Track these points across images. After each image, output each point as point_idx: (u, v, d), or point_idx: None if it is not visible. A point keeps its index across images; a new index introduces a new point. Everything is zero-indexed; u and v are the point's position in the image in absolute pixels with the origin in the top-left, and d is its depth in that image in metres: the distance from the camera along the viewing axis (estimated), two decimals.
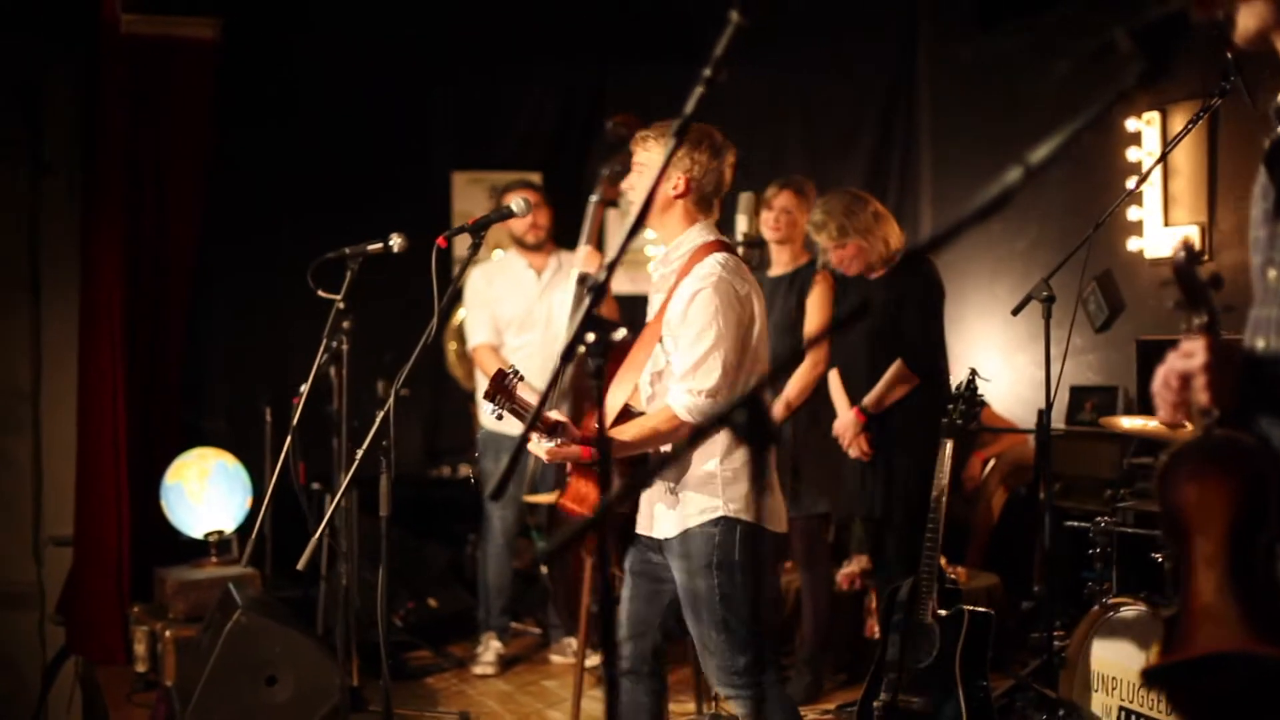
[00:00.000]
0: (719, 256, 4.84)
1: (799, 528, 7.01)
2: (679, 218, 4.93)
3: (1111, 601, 5.42)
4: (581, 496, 4.93)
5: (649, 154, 4.88)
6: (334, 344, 5.94)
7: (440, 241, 5.04)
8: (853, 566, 7.75)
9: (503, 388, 4.71)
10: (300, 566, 5.22)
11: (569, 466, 5.00)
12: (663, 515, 4.91)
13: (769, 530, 4.96)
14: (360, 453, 4.99)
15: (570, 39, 9.66)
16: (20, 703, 8.73)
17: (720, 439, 4.79)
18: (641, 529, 5.01)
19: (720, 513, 4.79)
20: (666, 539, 4.90)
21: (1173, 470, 2.78)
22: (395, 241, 5.66)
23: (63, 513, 8.51)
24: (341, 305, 5.70)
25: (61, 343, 8.62)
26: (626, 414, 4.95)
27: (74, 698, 8.49)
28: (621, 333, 4.71)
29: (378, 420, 5.01)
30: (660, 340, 4.89)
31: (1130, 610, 5.34)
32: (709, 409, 4.68)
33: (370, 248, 5.68)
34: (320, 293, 5.63)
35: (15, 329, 8.86)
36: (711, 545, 4.79)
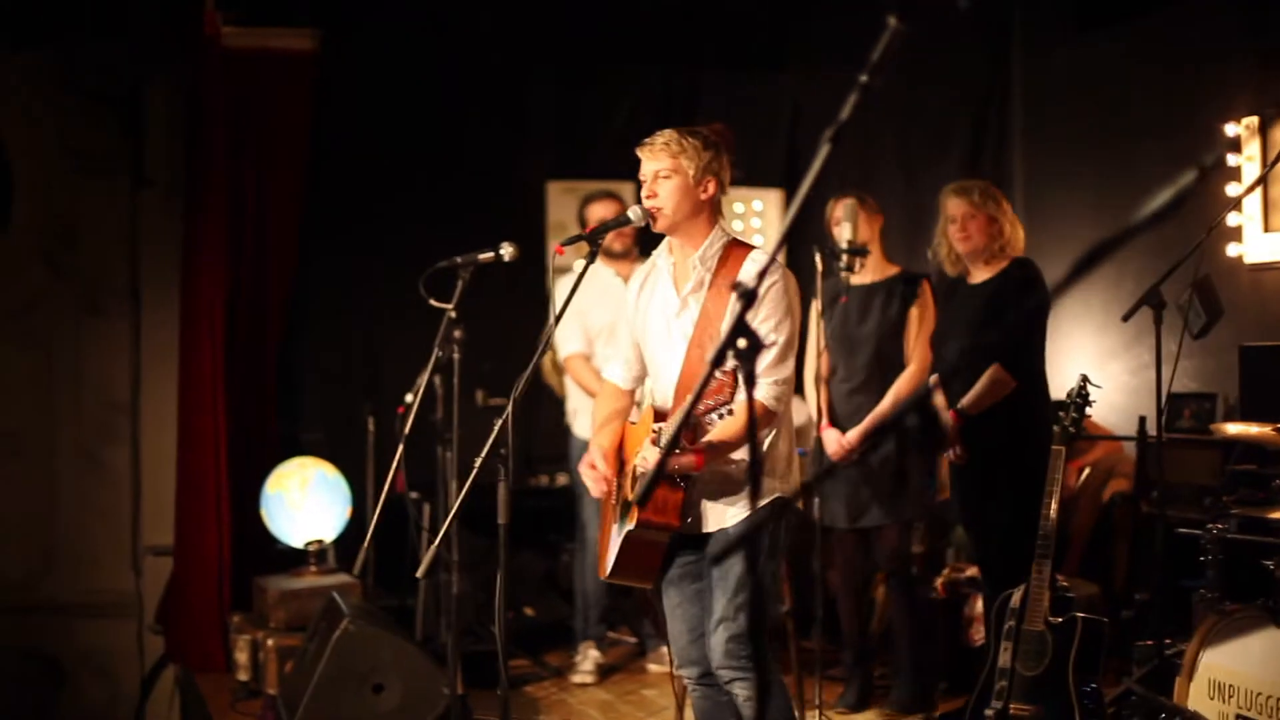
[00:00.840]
0: (760, 253, 5.04)
1: (895, 534, 7.02)
2: (705, 220, 5.06)
3: (1229, 608, 5.37)
4: (665, 506, 4.95)
5: (674, 160, 5.01)
6: (444, 353, 5.94)
7: (558, 249, 5.05)
8: (953, 575, 7.72)
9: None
10: (420, 574, 5.24)
11: (646, 481, 5.02)
12: (724, 508, 5.03)
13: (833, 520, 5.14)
14: (480, 461, 4.99)
15: (663, 45, 9.68)
16: (119, 710, 8.81)
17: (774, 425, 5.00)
18: (704, 528, 5.08)
19: (774, 495, 5.01)
20: (720, 530, 5.03)
21: None
22: (506, 250, 5.66)
23: (160, 522, 8.60)
24: (453, 314, 5.71)
25: (160, 354, 8.71)
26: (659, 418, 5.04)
27: (173, 706, 8.56)
28: (779, 335, 4.77)
29: (495, 428, 5.00)
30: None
31: (1248, 617, 5.28)
32: (787, 396, 4.90)
33: (481, 256, 5.67)
34: (432, 301, 5.63)
35: (115, 341, 8.96)
36: (762, 528, 4.98)
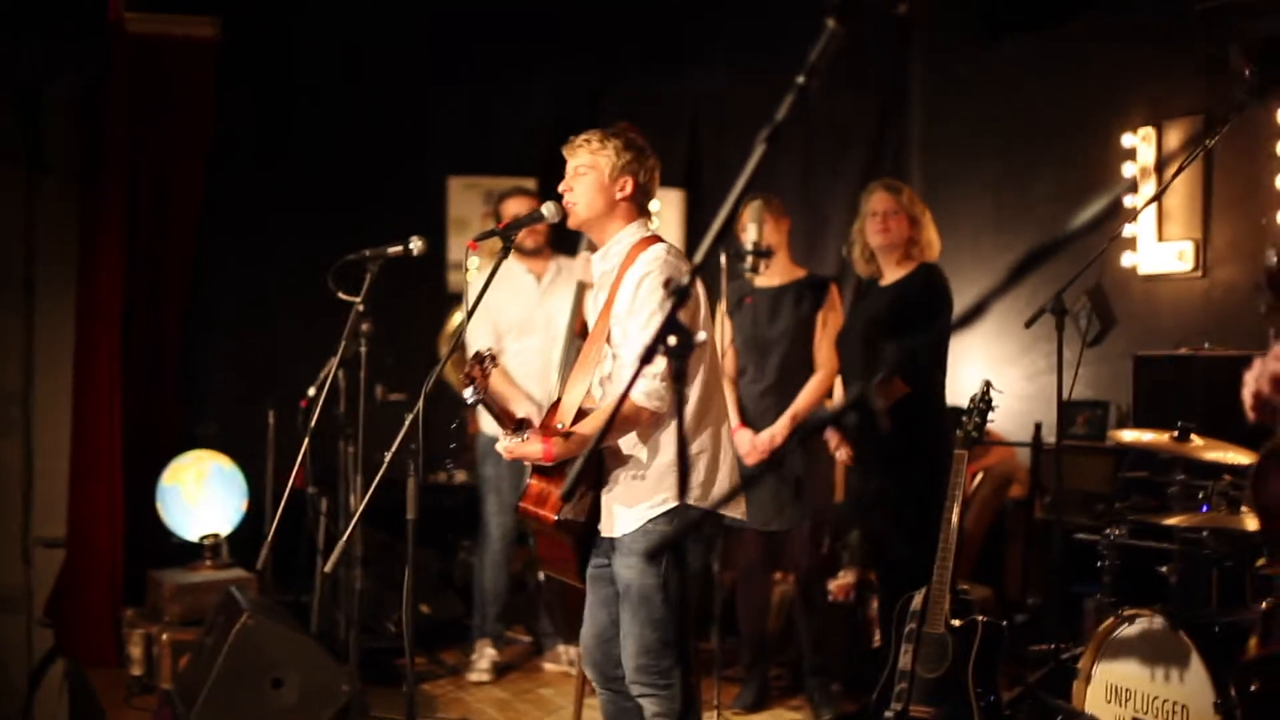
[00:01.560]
0: (661, 246, 4.99)
1: (802, 536, 7.06)
2: (620, 219, 5.07)
3: (1126, 613, 5.44)
4: (542, 498, 4.94)
5: (592, 157, 5.03)
6: (351, 347, 5.91)
7: (471, 245, 5.05)
8: (849, 577, 7.78)
9: (480, 369, 4.74)
10: (328, 569, 5.23)
11: (529, 469, 5.02)
12: (620, 513, 4.97)
13: (726, 519, 5.09)
14: (390, 455, 4.98)
15: (566, 44, 9.69)
16: (6, 705, 8.67)
17: (671, 429, 4.89)
18: (603, 531, 5.04)
19: (674, 504, 4.88)
20: (623, 535, 4.96)
21: (1269, 469, 2.84)
22: (415, 245, 5.63)
23: (52, 514, 8.48)
24: (361, 308, 5.68)
25: (55, 344, 8.58)
26: (580, 416, 5.00)
27: (61, 700, 8.44)
28: (702, 336, 4.76)
29: (406, 423, 4.99)
30: (608, 339, 4.96)
31: (1145, 622, 5.36)
32: (665, 393, 4.76)
33: (390, 250, 5.65)
34: (341, 294, 5.60)
35: (8, 330, 8.80)
36: (664, 540, 4.87)
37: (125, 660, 7.58)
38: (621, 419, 4.78)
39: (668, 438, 4.91)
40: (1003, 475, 8.35)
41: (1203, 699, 5.02)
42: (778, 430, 6.87)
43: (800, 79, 2.87)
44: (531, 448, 4.84)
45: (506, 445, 4.88)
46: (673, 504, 4.88)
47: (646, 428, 4.87)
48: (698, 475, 4.97)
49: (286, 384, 8.23)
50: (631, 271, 4.91)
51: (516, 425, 4.83)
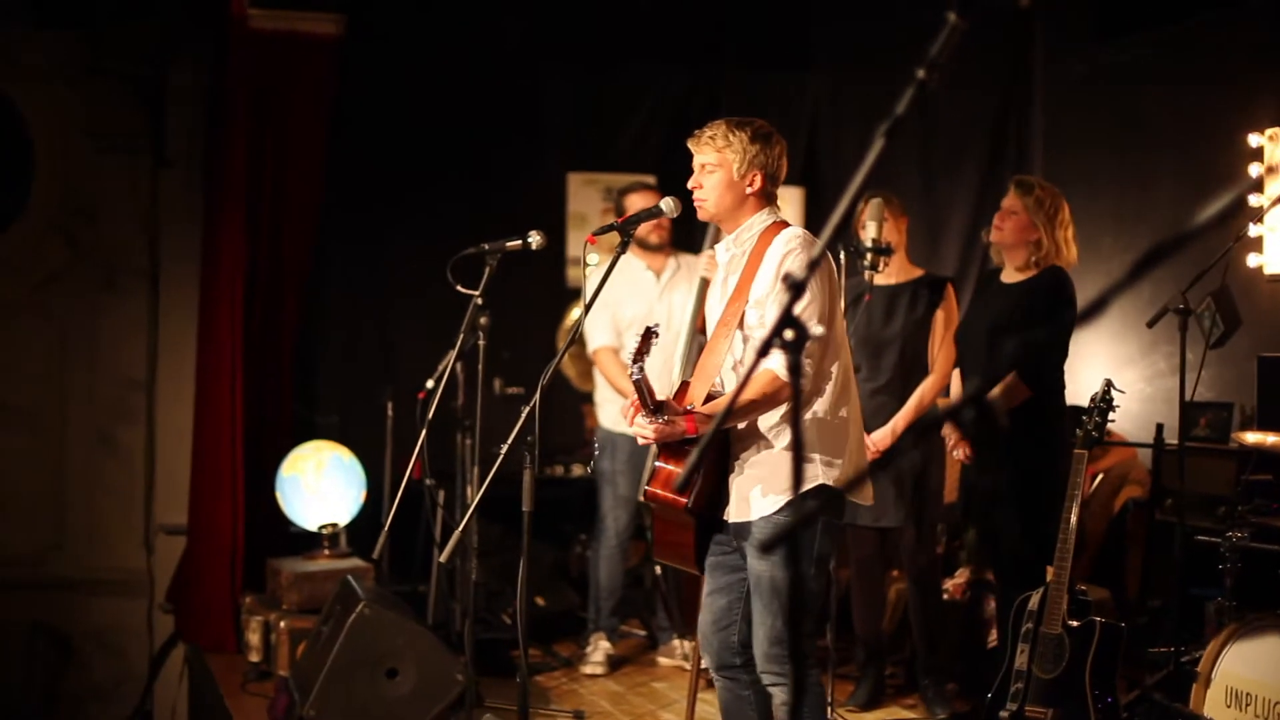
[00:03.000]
0: (796, 229, 5.01)
1: (912, 535, 7.03)
2: (750, 211, 5.08)
3: (1250, 617, 5.37)
4: (667, 481, 4.94)
5: (719, 155, 5.02)
6: (469, 339, 5.94)
7: (590, 239, 5.07)
8: (964, 576, 7.73)
9: (646, 344, 4.74)
10: (443, 559, 5.26)
11: (659, 455, 5.01)
12: (751, 498, 4.96)
13: (853, 517, 5.06)
14: (506, 448, 5.01)
15: (686, 40, 9.70)
16: (128, 689, 8.83)
17: (814, 408, 4.92)
18: (733, 516, 5.03)
19: (809, 485, 4.91)
20: (754, 520, 4.95)
21: None
22: (534, 239, 5.66)
23: (174, 501, 8.62)
24: (480, 301, 5.70)
25: (177, 333, 8.73)
26: (710, 398, 5.00)
27: (181, 685, 8.58)
28: (819, 330, 4.75)
29: (522, 416, 5.02)
30: (740, 324, 4.94)
31: (1268, 626, 5.29)
32: (807, 367, 4.78)
33: (509, 244, 5.68)
34: (459, 288, 5.63)
35: (132, 319, 8.96)
36: (796, 525, 4.79)
37: (243, 647, 7.67)
38: (763, 394, 4.79)
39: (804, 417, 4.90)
40: (1121, 476, 8.27)
41: None
42: (894, 427, 6.84)
43: (920, 73, 2.85)
44: (675, 427, 4.84)
45: (646, 424, 4.86)
46: (809, 486, 4.90)
47: (784, 407, 4.86)
48: (839, 442, 4.98)
49: (404, 376, 8.31)
50: (770, 253, 4.91)
51: (656, 406, 4.81)
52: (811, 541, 4.96)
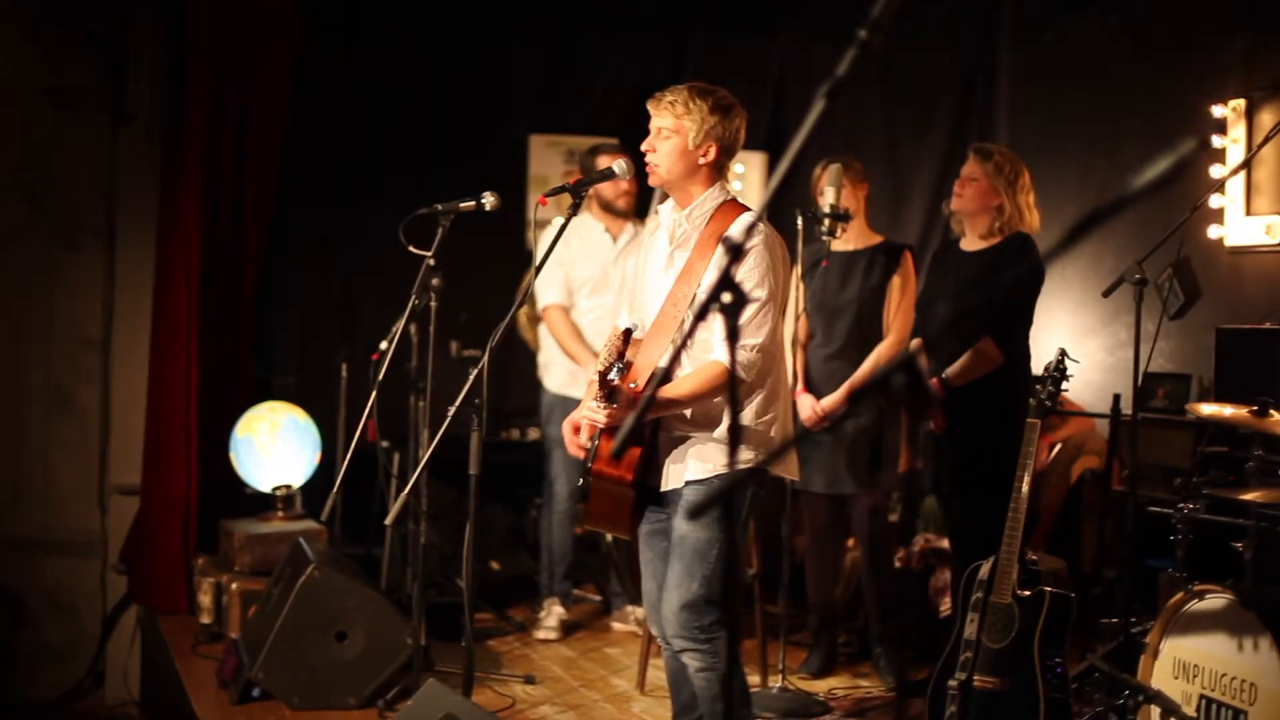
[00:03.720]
0: (750, 215, 4.99)
1: (867, 503, 7.02)
2: (702, 182, 5.05)
3: (1196, 589, 5.36)
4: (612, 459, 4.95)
5: (677, 121, 4.99)
6: (421, 301, 5.90)
7: (541, 200, 5.04)
8: (919, 545, 7.73)
9: (627, 345, 4.74)
10: (388, 522, 5.24)
11: (597, 433, 5.00)
12: (677, 468, 5.00)
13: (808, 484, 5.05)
14: (453, 410, 4.98)
15: (655, 4, 9.65)
16: (80, 649, 8.77)
17: (758, 394, 4.95)
18: (667, 484, 5.05)
19: (743, 465, 4.94)
20: (686, 485, 4.97)
21: None
22: (488, 200, 5.64)
23: (129, 462, 8.56)
24: (432, 262, 5.67)
25: (134, 292, 8.64)
26: (654, 377, 4.98)
27: (134, 646, 8.54)
28: (759, 293, 4.72)
29: (470, 378, 4.99)
30: (692, 302, 4.94)
31: (1215, 598, 5.28)
32: (758, 364, 4.82)
33: (462, 205, 5.65)
34: (411, 249, 5.59)
35: (88, 277, 8.87)
36: (711, 493, 4.93)
37: (195, 608, 7.61)
38: (712, 386, 4.84)
39: (746, 405, 4.95)
40: (1077, 446, 8.26)
41: (1272, 677, 4.94)
42: (842, 395, 6.83)
43: (862, 34, 2.80)
44: (625, 411, 4.84)
45: (600, 409, 4.85)
46: (742, 465, 4.92)
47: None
48: (771, 442, 5.01)
49: (363, 338, 8.25)
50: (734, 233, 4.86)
51: (609, 393, 4.79)
52: (740, 509, 4.98)
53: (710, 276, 4.88)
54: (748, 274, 4.81)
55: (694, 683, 5.05)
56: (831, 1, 9.59)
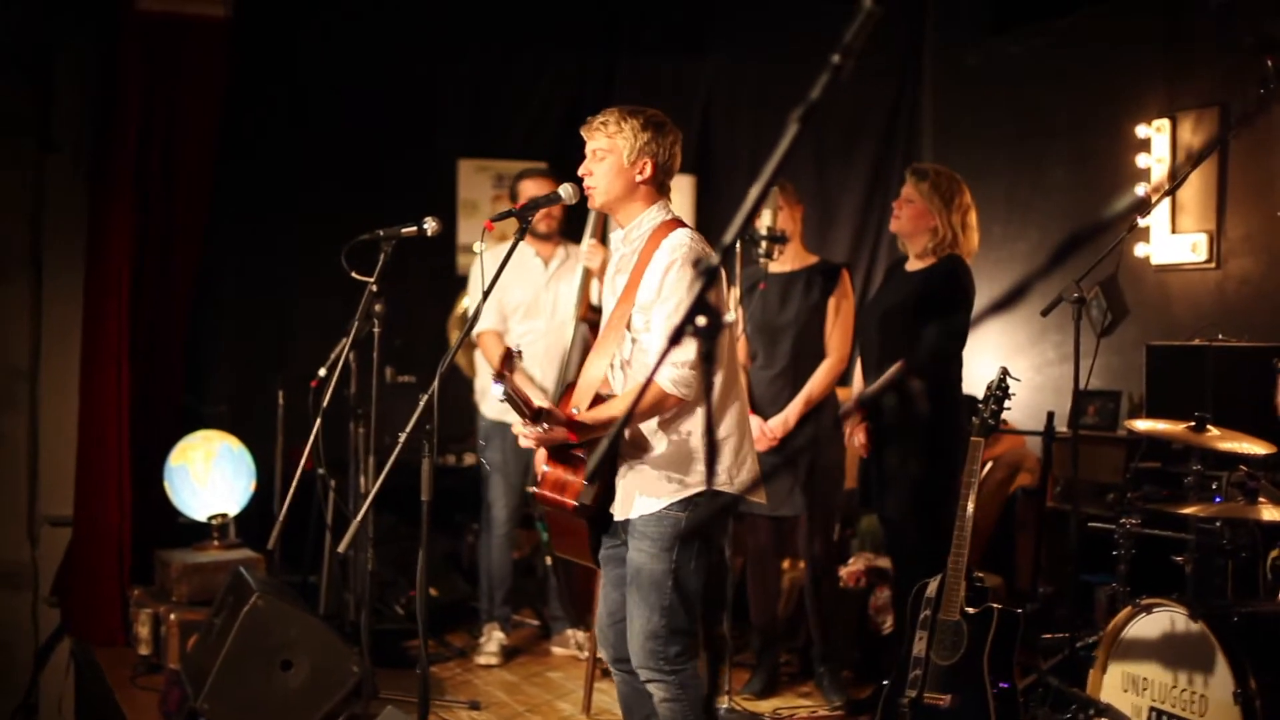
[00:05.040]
0: (684, 232, 4.95)
1: (812, 523, 7.04)
2: (641, 201, 5.03)
3: (1144, 602, 5.42)
4: (560, 484, 4.95)
5: (610, 140, 4.98)
6: (364, 327, 5.89)
7: (488, 225, 5.04)
8: (859, 564, 7.77)
9: (509, 366, 4.71)
10: (341, 549, 5.21)
11: (544, 456, 5.00)
12: (635, 496, 4.96)
13: (750, 506, 5.03)
14: (404, 436, 4.96)
15: (578, 26, 9.68)
16: (12, 683, 8.65)
17: (699, 413, 4.89)
18: (618, 514, 5.03)
19: (695, 490, 4.89)
20: (637, 517, 4.94)
21: None
22: (430, 225, 5.64)
23: (58, 493, 8.47)
24: (375, 288, 5.66)
25: (62, 321, 8.55)
26: (597, 400, 5.00)
27: (68, 679, 8.44)
28: (731, 316, 4.73)
29: (420, 404, 4.98)
30: (629, 323, 4.94)
31: (1163, 612, 5.34)
32: (691, 381, 4.77)
33: (404, 230, 5.65)
34: (354, 274, 5.58)
35: (15, 306, 8.77)
36: (678, 526, 4.87)
37: (132, 640, 7.54)
38: (647, 405, 4.80)
39: (689, 423, 4.90)
40: (1011, 464, 8.34)
41: (1222, 689, 5.01)
42: (789, 416, 6.86)
43: (835, 58, 2.83)
44: (556, 434, 4.82)
45: (527, 432, 4.84)
46: (694, 490, 4.87)
47: (669, 413, 4.86)
48: (724, 460, 4.97)
49: (296, 364, 8.21)
50: (657, 258, 4.87)
51: (535, 414, 4.78)
52: (704, 542, 4.98)
53: (643, 295, 4.88)
54: (667, 295, 4.82)
55: (659, 712, 5.03)
56: (757, 23, 9.72)
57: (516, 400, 4.71)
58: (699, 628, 5.07)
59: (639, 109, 5.03)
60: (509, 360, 4.71)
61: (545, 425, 4.80)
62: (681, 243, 4.87)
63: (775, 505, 6.83)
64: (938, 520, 6.02)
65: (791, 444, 6.88)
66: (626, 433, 4.92)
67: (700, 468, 4.89)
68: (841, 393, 7.37)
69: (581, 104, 9.49)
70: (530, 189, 7.51)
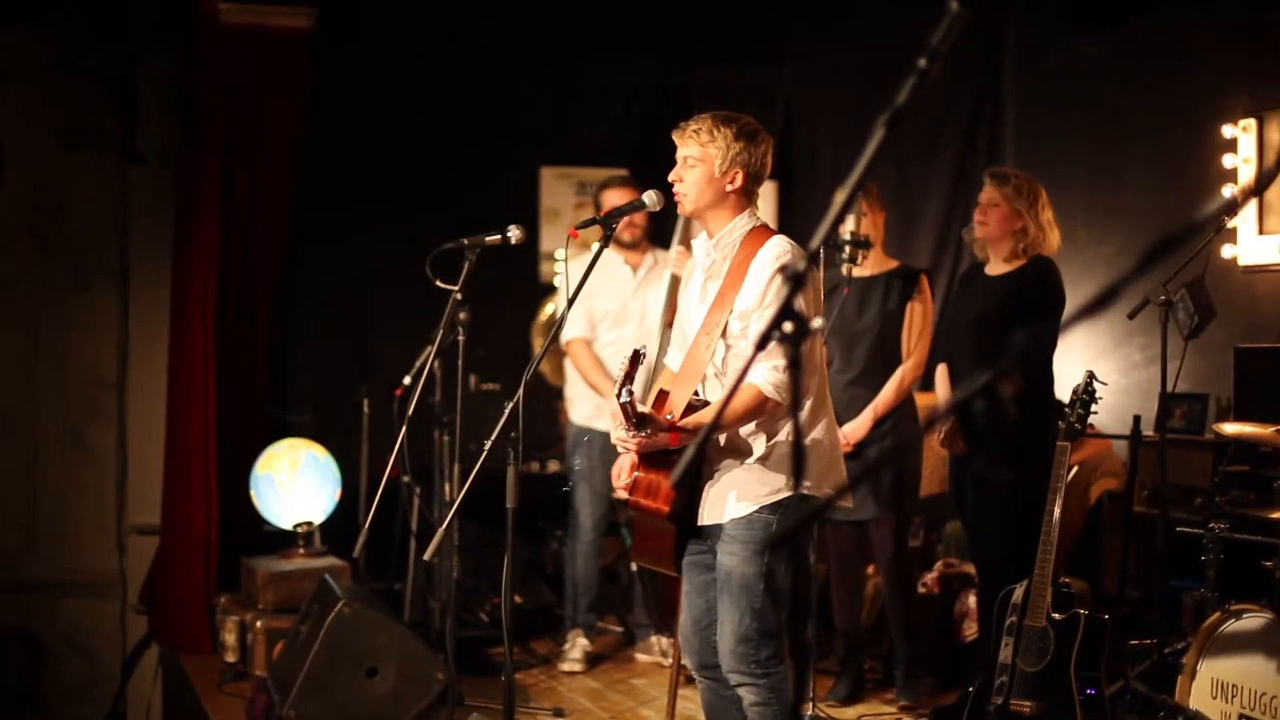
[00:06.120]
0: (782, 239, 4.96)
1: (888, 529, 7.01)
2: (730, 209, 5.03)
3: (1234, 608, 5.37)
4: (653, 490, 4.94)
5: (703, 149, 4.97)
6: (448, 335, 5.91)
7: (573, 232, 5.04)
8: (942, 569, 7.73)
9: (634, 368, 4.70)
10: (427, 556, 5.21)
11: (632, 462, 4.98)
12: (726, 500, 4.95)
13: (832, 511, 5.02)
14: (489, 445, 4.98)
15: (658, 34, 9.69)
16: (101, 690, 8.75)
17: (785, 418, 4.89)
18: (707, 518, 5.02)
19: (786, 493, 4.88)
20: (729, 521, 4.94)
21: None
22: (514, 233, 5.65)
23: (146, 502, 8.57)
24: (459, 296, 5.68)
25: (149, 332, 8.66)
26: (691, 408, 4.98)
27: (156, 686, 8.52)
28: (819, 322, 4.73)
29: (506, 412, 4.99)
30: (724, 330, 4.93)
31: (1253, 618, 5.29)
32: (787, 383, 4.75)
33: (488, 239, 5.66)
34: (439, 283, 5.60)
35: (103, 318, 8.89)
36: (769, 529, 4.87)
37: (219, 647, 7.62)
38: (744, 409, 4.79)
39: (783, 427, 4.89)
40: (1096, 468, 8.27)
41: None
42: (863, 421, 6.84)
43: (922, 62, 2.82)
44: (658, 440, 4.82)
45: (628, 437, 4.84)
46: (785, 494, 4.87)
47: (765, 417, 4.85)
48: (814, 464, 4.96)
49: (379, 372, 8.26)
50: (757, 266, 4.86)
51: (639, 420, 4.77)
52: (794, 545, 4.96)
53: (743, 302, 4.88)
54: (771, 301, 4.80)
55: (749, 716, 5.02)
56: (835, 32, 9.69)
57: (629, 407, 4.71)
58: (785, 633, 5.06)
59: (733, 117, 5.01)
60: (636, 362, 4.70)
61: (649, 431, 4.80)
62: (784, 250, 4.87)
63: (855, 509, 6.81)
64: (1024, 525, 5.98)
65: (868, 448, 6.85)
66: (722, 437, 4.92)
67: (780, 471, 4.89)
68: (922, 398, 7.33)
69: (661, 112, 9.53)
70: (613, 199, 7.50)
